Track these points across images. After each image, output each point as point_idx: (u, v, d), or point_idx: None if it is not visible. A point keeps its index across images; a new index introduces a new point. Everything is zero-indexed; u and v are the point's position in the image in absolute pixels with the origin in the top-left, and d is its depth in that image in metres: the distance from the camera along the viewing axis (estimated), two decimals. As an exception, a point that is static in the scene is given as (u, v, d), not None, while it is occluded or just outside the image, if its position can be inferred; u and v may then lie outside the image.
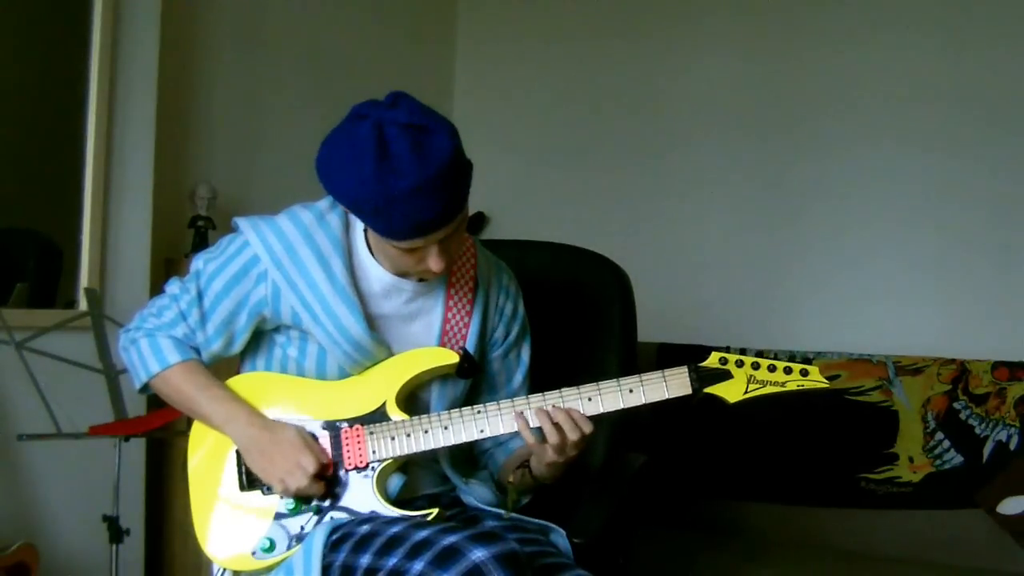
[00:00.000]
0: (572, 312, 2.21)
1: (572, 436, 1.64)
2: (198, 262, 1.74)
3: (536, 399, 1.68)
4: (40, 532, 2.62)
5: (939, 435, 3.00)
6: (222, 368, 1.78)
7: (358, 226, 1.73)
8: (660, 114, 3.77)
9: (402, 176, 1.50)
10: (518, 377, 1.87)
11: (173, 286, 1.75)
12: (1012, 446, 2.90)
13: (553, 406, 1.66)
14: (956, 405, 3.00)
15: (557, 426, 1.64)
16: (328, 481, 1.67)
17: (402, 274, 1.72)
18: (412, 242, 1.59)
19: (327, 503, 1.67)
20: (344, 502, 1.66)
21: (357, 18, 3.85)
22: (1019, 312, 3.13)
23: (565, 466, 1.71)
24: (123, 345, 1.77)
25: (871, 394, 3.11)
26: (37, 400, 2.42)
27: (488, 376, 1.85)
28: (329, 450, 1.68)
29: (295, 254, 1.68)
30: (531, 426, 1.66)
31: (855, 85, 3.41)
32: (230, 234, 1.76)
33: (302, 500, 1.67)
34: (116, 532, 2.50)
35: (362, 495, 1.66)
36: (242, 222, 1.72)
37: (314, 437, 1.68)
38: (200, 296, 1.71)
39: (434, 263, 1.61)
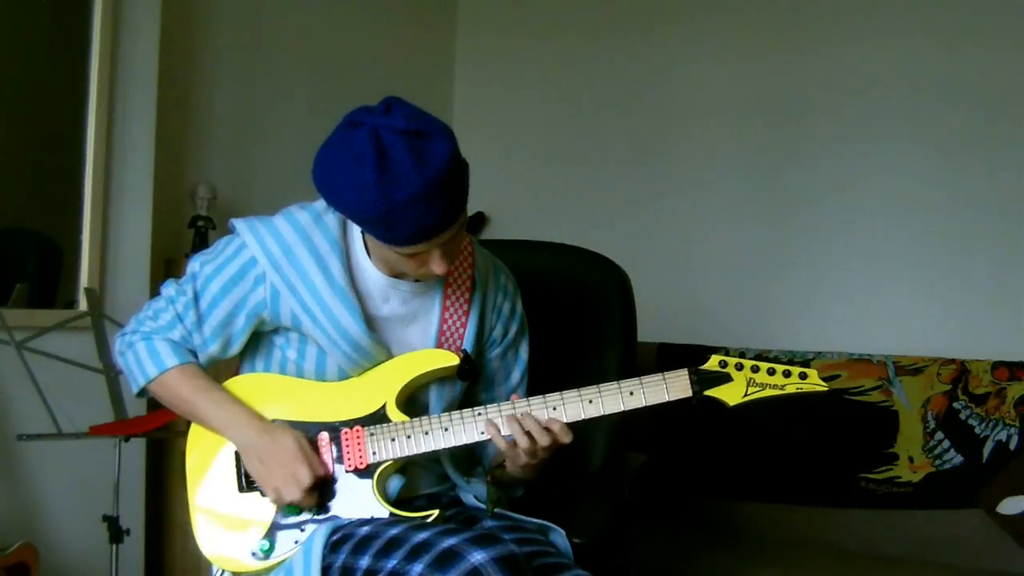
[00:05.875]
0: (572, 312, 2.21)
1: (543, 442, 1.64)
2: (194, 264, 1.74)
3: (537, 401, 1.68)
4: (40, 532, 2.63)
5: (939, 435, 2.99)
6: (221, 369, 1.77)
7: (355, 227, 1.72)
8: (660, 114, 3.77)
9: (403, 184, 1.49)
10: (516, 375, 1.87)
11: (169, 288, 1.74)
12: (1012, 446, 2.89)
13: (523, 415, 1.65)
14: (956, 405, 2.99)
15: (528, 433, 1.64)
16: (324, 489, 1.66)
17: (398, 275, 1.72)
18: (415, 247, 1.58)
19: (327, 504, 1.66)
20: (343, 503, 1.66)
21: (357, 18, 3.85)
22: (1019, 312, 3.13)
23: (542, 465, 1.71)
24: (119, 349, 1.75)
25: (871, 394, 3.10)
26: (37, 400, 2.42)
27: (486, 374, 1.85)
28: (330, 452, 1.68)
29: (293, 256, 1.67)
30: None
31: (854, 86, 3.40)
32: (227, 236, 1.75)
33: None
34: (116, 532, 2.50)
35: (362, 497, 1.66)
36: (239, 224, 1.72)
37: (314, 440, 1.68)
38: (197, 298, 1.70)
39: (436, 266, 1.61)
